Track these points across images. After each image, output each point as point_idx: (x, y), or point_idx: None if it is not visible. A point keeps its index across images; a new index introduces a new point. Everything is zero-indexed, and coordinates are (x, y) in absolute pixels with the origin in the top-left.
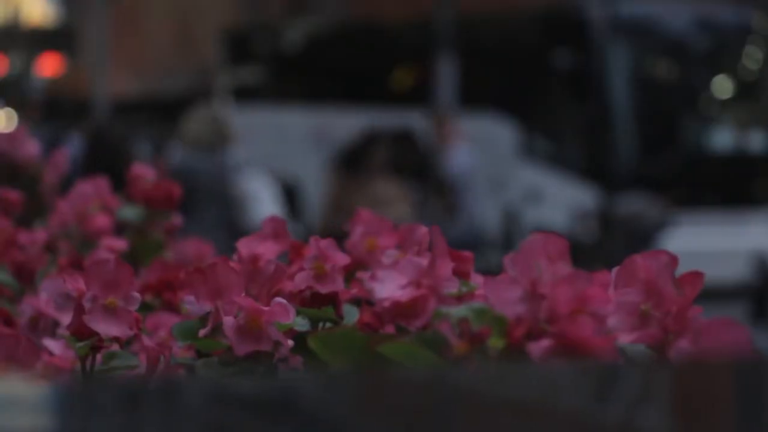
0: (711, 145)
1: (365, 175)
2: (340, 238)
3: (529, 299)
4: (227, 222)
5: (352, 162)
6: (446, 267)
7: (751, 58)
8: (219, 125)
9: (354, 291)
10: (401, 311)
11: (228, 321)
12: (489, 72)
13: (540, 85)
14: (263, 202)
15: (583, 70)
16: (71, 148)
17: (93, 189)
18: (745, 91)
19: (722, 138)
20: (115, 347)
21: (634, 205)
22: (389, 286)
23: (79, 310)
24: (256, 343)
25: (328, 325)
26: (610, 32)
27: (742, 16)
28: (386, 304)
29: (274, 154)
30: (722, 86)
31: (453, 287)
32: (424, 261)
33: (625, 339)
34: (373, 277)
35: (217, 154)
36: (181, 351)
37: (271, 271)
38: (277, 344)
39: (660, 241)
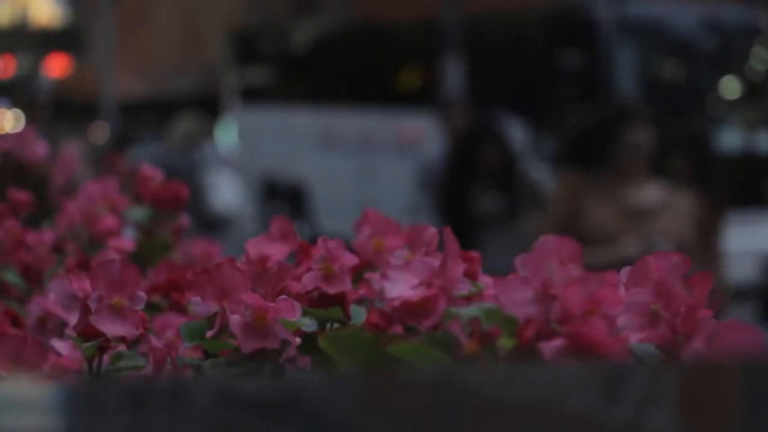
0: (719, 146)
1: (613, 173)
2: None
3: (540, 300)
4: (195, 210)
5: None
6: (458, 267)
7: (759, 58)
8: (192, 129)
9: (362, 291)
10: (411, 311)
11: (234, 318)
12: (495, 72)
13: (546, 85)
14: (222, 190)
15: (590, 70)
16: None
17: (100, 190)
18: (753, 91)
19: (730, 138)
20: (122, 348)
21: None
22: (400, 286)
23: (84, 311)
24: (263, 340)
25: (335, 325)
26: (618, 32)
27: (750, 16)
28: (396, 303)
29: (281, 154)
30: (730, 86)
31: (464, 288)
32: (436, 261)
33: (634, 339)
34: (384, 277)
35: (189, 153)
36: (188, 351)
37: (276, 271)
38: (285, 343)
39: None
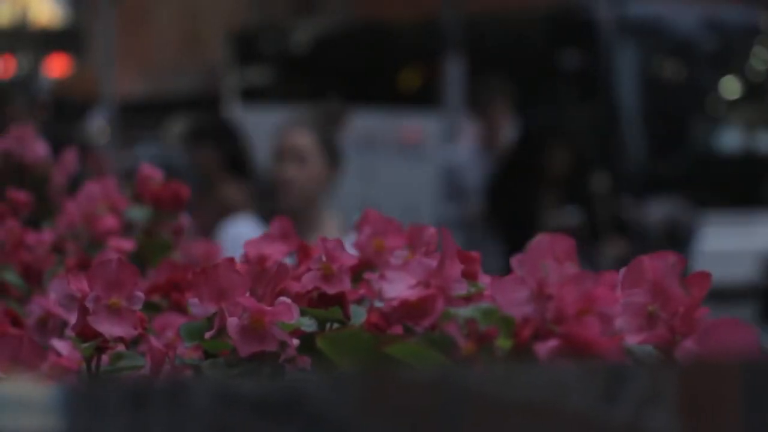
0: (719, 146)
1: None
2: None
3: (536, 300)
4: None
5: None
6: (455, 268)
7: (760, 58)
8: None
9: (361, 291)
10: (409, 311)
11: (232, 322)
12: (496, 72)
13: (547, 85)
14: None
15: (591, 71)
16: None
17: (100, 189)
18: (754, 91)
19: (730, 138)
20: (121, 348)
21: (664, 209)
22: (398, 286)
23: (82, 311)
24: (261, 343)
25: (335, 325)
26: (618, 32)
27: (751, 16)
28: (394, 303)
29: None
30: (731, 87)
31: (462, 288)
32: (433, 262)
33: (632, 340)
34: (382, 277)
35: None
36: (188, 352)
37: (275, 272)
38: (283, 344)
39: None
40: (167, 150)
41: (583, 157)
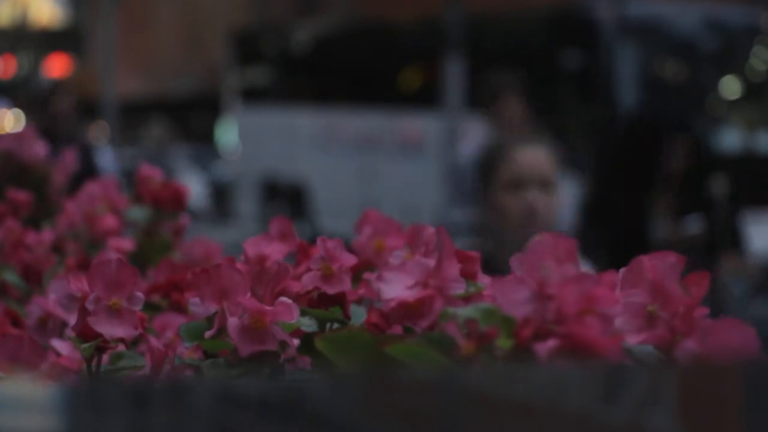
0: (719, 146)
1: None
2: None
3: (537, 300)
4: None
5: None
6: (453, 268)
7: (760, 58)
8: (161, 136)
9: (361, 292)
10: (408, 312)
11: (232, 322)
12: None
13: (548, 85)
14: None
15: (592, 71)
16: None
17: (100, 189)
18: (754, 91)
19: (730, 138)
20: (121, 348)
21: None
22: (396, 287)
23: (83, 312)
24: (261, 343)
25: (335, 325)
26: (619, 32)
27: (751, 16)
28: (393, 304)
29: (283, 154)
30: (731, 87)
31: (460, 288)
32: (431, 262)
33: (632, 340)
34: (379, 278)
35: (162, 154)
36: (188, 352)
37: (275, 272)
38: (283, 344)
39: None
40: (145, 151)
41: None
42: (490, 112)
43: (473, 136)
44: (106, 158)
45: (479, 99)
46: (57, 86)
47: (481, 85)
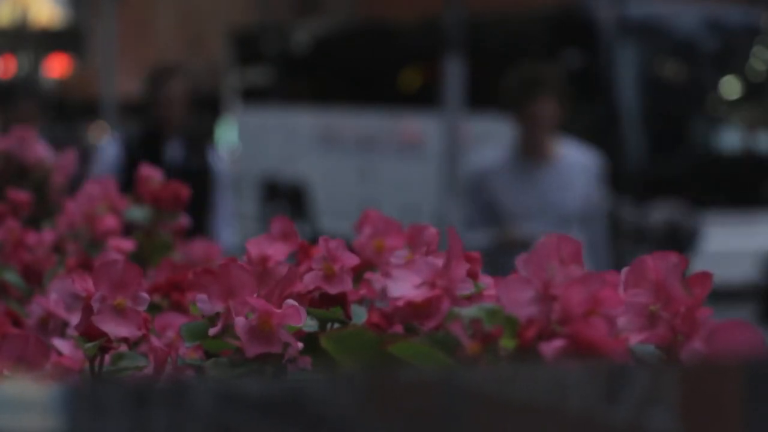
0: (720, 146)
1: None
2: None
3: (541, 300)
4: None
5: None
6: (461, 268)
7: (760, 58)
8: None
9: (362, 291)
10: (415, 311)
11: (240, 322)
12: (497, 72)
13: None
14: None
15: (592, 71)
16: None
17: (100, 190)
18: (754, 91)
19: (731, 139)
20: (124, 348)
21: (665, 212)
22: (403, 285)
23: (87, 311)
24: (267, 344)
25: (336, 325)
26: (619, 32)
27: (751, 16)
28: (400, 303)
29: (282, 154)
30: (731, 87)
31: (467, 288)
32: (439, 261)
33: (634, 339)
34: (386, 275)
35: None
36: (188, 351)
37: (282, 273)
38: (286, 345)
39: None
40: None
41: None
42: (519, 113)
43: (501, 140)
44: (220, 159)
45: (504, 98)
46: (170, 70)
47: (508, 82)
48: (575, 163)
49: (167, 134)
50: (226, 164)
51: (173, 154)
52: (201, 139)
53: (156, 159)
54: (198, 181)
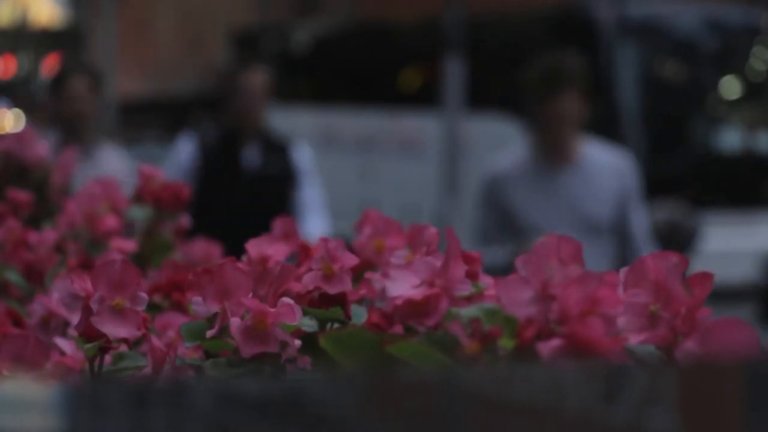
0: (720, 146)
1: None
2: None
3: (540, 300)
4: None
5: None
6: (459, 268)
7: (760, 58)
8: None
9: (362, 291)
10: (413, 310)
11: (235, 322)
12: (497, 73)
13: None
14: None
15: (591, 71)
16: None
17: (101, 189)
18: (754, 91)
19: (731, 139)
20: (124, 348)
21: (665, 212)
22: (402, 285)
23: (86, 312)
24: (263, 344)
25: (335, 325)
26: (619, 32)
27: (751, 16)
28: (398, 302)
29: None
30: (731, 87)
31: (466, 288)
32: (438, 261)
33: (634, 340)
34: (385, 276)
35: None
36: (188, 352)
37: (278, 272)
38: (284, 344)
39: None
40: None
41: None
42: (540, 109)
43: (519, 144)
44: (304, 157)
45: (520, 96)
46: (248, 61)
47: (528, 75)
48: (604, 164)
49: (247, 136)
50: (309, 160)
51: (251, 158)
52: (281, 140)
53: (232, 164)
54: (275, 186)
